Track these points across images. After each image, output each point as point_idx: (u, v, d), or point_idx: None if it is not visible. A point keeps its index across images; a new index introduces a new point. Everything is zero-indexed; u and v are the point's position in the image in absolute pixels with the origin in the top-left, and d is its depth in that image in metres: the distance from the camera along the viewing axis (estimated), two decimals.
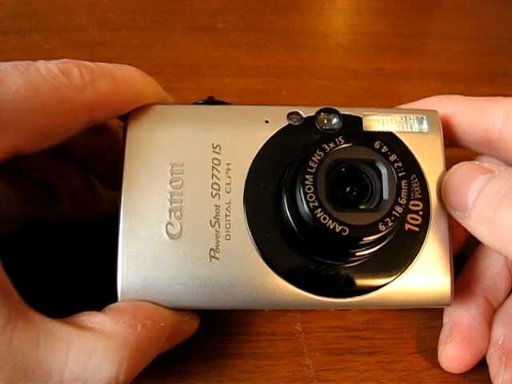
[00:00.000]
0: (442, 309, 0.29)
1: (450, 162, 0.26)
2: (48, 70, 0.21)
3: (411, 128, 0.26)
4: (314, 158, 0.23)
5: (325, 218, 0.22)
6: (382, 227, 0.22)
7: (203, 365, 0.28)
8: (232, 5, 0.45)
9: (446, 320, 0.28)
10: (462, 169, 0.25)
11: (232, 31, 0.43)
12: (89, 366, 0.20)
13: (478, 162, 0.25)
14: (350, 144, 0.23)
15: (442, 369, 0.28)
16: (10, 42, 0.41)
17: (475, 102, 0.27)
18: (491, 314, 0.28)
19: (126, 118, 0.25)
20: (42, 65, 0.22)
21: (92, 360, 0.20)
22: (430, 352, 0.29)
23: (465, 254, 0.30)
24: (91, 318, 0.22)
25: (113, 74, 0.24)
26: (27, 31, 0.41)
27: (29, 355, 0.19)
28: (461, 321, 0.27)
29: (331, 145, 0.23)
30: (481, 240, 0.24)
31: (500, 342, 0.27)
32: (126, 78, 0.24)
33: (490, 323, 0.28)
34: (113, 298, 0.24)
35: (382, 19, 0.46)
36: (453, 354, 0.27)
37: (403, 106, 0.29)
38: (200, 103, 0.28)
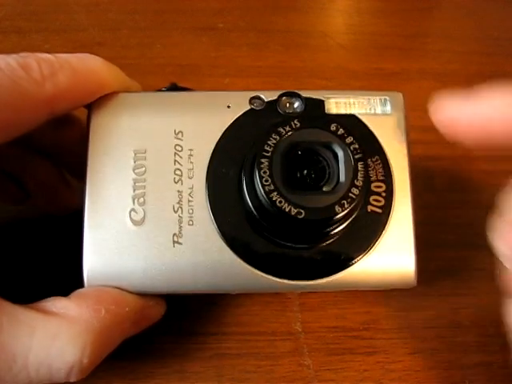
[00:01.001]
0: (443, 308, 0.29)
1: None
2: (7, 65, 0.21)
3: (374, 110, 0.26)
4: (269, 142, 0.23)
5: (280, 202, 0.22)
6: (338, 209, 0.22)
7: (202, 365, 0.28)
8: (232, 5, 0.45)
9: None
10: None
11: (232, 31, 0.43)
12: (53, 350, 0.20)
13: None
14: (305, 127, 0.23)
15: (441, 369, 0.28)
16: (10, 42, 0.41)
17: None
18: None
19: (90, 108, 0.25)
20: (0, 59, 0.21)
21: (56, 344, 0.20)
22: (430, 352, 0.29)
23: None
24: (56, 303, 0.22)
25: (73, 66, 0.23)
26: (27, 31, 0.41)
27: None
28: None
29: (287, 128, 0.23)
30: None
31: None
32: (87, 69, 0.24)
33: None
34: (81, 285, 0.24)
35: (382, 19, 0.46)
36: None
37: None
38: (163, 90, 0.28)
